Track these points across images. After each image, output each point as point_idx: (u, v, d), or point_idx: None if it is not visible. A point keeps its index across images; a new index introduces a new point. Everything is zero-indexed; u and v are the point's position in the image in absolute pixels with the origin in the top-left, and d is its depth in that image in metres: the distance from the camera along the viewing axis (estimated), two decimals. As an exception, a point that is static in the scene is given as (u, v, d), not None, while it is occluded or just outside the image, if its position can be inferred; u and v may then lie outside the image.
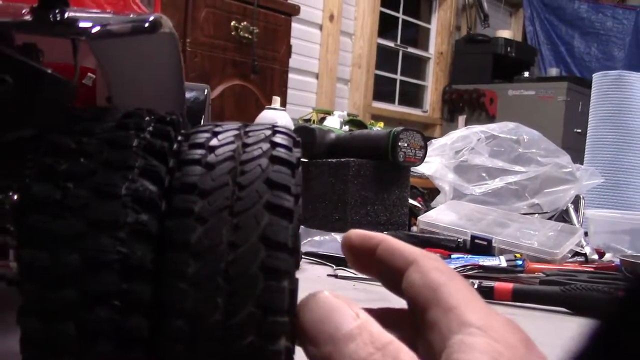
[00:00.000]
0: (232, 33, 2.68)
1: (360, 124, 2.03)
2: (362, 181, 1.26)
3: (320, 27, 3.78)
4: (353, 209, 1.24)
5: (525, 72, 4.71)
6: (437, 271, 0.29)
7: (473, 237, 1.22)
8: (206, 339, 0.31)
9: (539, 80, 4.64)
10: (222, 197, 0.34)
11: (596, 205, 1.64)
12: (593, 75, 1.85)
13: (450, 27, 4.71)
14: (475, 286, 0.90)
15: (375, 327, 0.27)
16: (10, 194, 0.42)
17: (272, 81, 2.89)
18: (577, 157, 1.85)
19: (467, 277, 1.03)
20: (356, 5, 4.03)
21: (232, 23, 2.67)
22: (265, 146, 0.36)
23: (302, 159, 0.38)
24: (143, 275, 0.33)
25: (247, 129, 0.38)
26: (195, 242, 0.32)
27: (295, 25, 3.18)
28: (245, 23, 2.69)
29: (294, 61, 3.21)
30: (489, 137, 1.47)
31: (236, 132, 0.38)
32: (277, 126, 0.40)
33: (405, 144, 1.27)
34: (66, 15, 0.35)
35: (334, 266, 1.07)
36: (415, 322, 0.29)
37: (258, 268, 0.32)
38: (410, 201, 1.46)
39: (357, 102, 4.02)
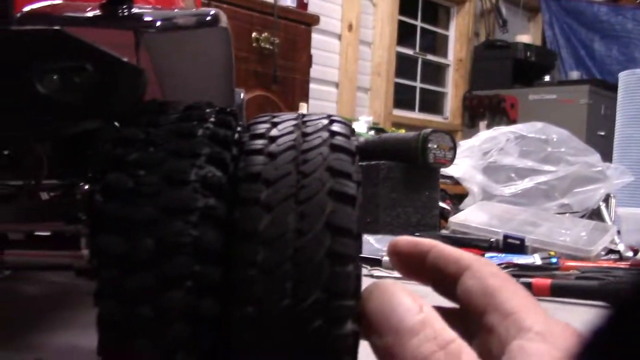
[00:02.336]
0: (254, 44, 2.70)
1: (381, 132, 2.03)
2: (393, 183, 1.26)
3: (339, 37, 3.81)
4: (384, 211, 1.24)
5: (545, 76, 4.69)
6: (493, 277, 0.29)
7: (505, 237, 1.22)
8: (275, 324, 0.31)
9: (560, 84, 4.61)
10: (286, 185, 0.34)
11: (627, 204, 1.62)
12: (619, 74, 1.83)
13: (469, 34, 4.71)
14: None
15: (438, 323, 0.26)
16: (81, 184, 0.44)
17: (294, 91, 2.91)
18: (602, 159, 1.83)
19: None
20: (374, 14, 4.05)
21: (253, 34, 2.70)
22: (325, 135, 0.37)
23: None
24: (214, 258, 0.34)
25: (305, 119, 0.39)
26: (263, 230, 0.33)
27: (314, 36, 3.20)
28: (266, 34, 2.72)
29: (314, 71, 3.22)
30: (518, 138, 1.47)
31: (294, 122, 0.39)
32: (333, 115, 0.40)
33: (435, 146, 1.27)
34: (132, 11, 0.36)
35: (368, 267, 1.08)
36: (466, 324, 0.29)
37: (324, 254, 0.32)
38: (439, 203, 1.46)
39: (377, 110, 4.03)
